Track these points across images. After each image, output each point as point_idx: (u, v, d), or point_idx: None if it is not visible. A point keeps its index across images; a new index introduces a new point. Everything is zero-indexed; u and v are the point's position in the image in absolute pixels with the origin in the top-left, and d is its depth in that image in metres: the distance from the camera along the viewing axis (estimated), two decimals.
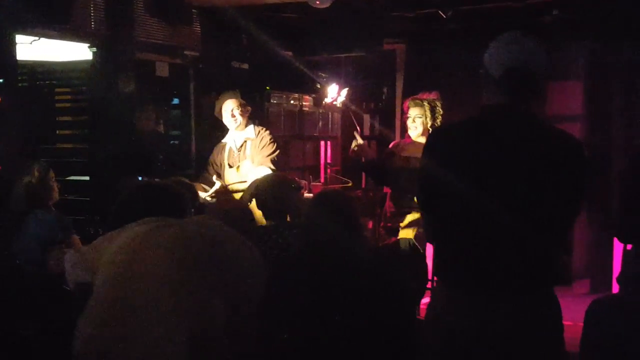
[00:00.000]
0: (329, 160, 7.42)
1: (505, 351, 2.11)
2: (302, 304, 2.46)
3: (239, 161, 4.73)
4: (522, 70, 2.13)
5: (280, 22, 6.26)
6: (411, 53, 7.33)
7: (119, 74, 4.94)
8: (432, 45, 7.01)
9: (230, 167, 4.75)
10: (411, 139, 4.88)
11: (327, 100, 6.77)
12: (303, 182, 6.33)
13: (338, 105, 6.98)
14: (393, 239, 4.55)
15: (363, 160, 4.59)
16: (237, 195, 4.48)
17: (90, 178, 5.08)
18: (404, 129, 6.21)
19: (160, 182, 2.88)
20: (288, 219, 3.43)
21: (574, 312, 2.83)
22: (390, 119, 7.64)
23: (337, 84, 6.61)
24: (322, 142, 7.49)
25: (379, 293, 2.45)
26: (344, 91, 6.69)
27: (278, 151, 4.71)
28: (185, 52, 5.66)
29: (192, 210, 2.77)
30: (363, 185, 7.55)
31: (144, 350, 1.92)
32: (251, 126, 4.81)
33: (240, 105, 4.75)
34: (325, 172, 7.12)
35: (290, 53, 6.47)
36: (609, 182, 6.19)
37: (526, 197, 2.07)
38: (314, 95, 7.01)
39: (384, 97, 7.83)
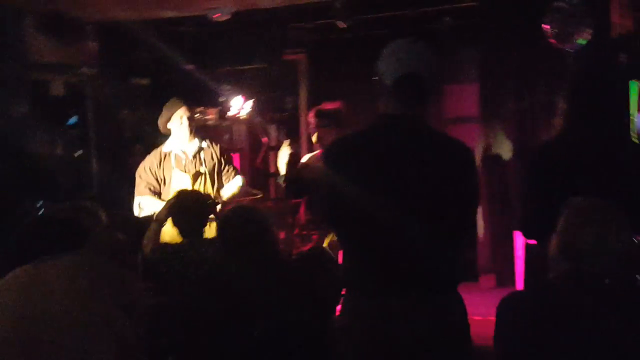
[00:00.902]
0: None
1: (414, 352, 2.17)
2: (217, 318, 2.45)
3: (195, 169, 4.51)
4: (413, 77, 2.17)
5: (180, 35, 6.20)
6: (312, 63, 7.41)
7: (10, 96, 4.74)
8: (332, 55, 7.13)
9: (185, 172, 4.50)
10: (321, 149, 4.93)
11: (232, 112, 6.75)
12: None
13: (243, 117, 6.97)
14: (308, 246, 4.58)
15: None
16: None
17: None
18: (310, 139, 6.30)
19: (53, 213, 2.78)
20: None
21: (482, 307, 2.94)
22: (295, 129, 7.69)
23: (242, 96, 6.59)
24: None
25: (294, 303, 2.48)
26: (249, 103, 6.69)
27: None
28: (82, 70, 5.51)
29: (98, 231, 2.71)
30: (273, 196, 7.58)
31: None
32: (197, 137, 4.67)
33: (191, 112, 4.62)
34: None
35: (191, 66, 6.42)
36: (506, 180, 6.47)
37: (422, 201, 2.13)
38: (218, 108, 6.96)
39: (288, 108, 7.87)
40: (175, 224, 3.47)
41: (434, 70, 2.20)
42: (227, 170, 4.60)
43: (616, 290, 1.97)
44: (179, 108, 4.49)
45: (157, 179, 4.45)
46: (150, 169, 4.47)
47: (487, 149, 6.60)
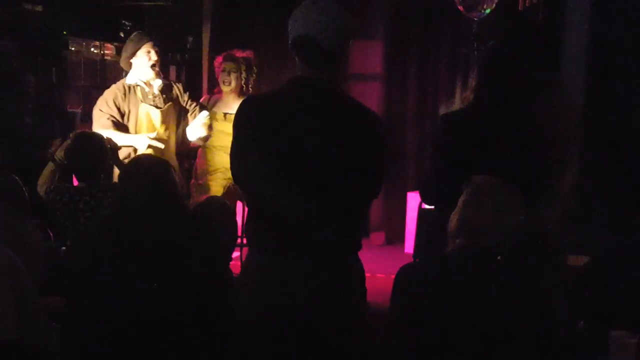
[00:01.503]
0: None
1: (309, 314, 2.23)
2: (116, 266, 2.43)
3: (163, 102, 4.38)
4: (306, 39, 2.18)
5: None
6: (218, 2, 7.19)
7: None
8: None
9: (157, 108, 4.35)
10: (222, 94, 4.86)
11: None
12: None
13: None
14: (204, 196, 4.53)
15: None
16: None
17: None
18: (212, 82, 6.17)
19: None
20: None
21: (371, 264, 3.05)
22: (197, 71, 7.49)
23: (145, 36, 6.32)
24: None
25: (191, 253, 2.48)
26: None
27: None
28: None
29: None
30: None
31: None
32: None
33: (158, 47, 4.44)
34: None
35: None
36: (404, 140, 6.63)
37: (324, 164, 2.16)
38: (116, 44, 6.65)
39: (189, 48, 7.64)
40: (71, 166, 3.35)
41: (333, 32, 2.18)
42: (193, 106, 4.52)
43: (506, 266, 2.09)
44: (146, 42, 4.26)
45: (120, 112, 4.23)
46: (114, 102, 4.26)
47: (387, 107, 6.73)
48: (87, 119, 6.55)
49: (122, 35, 6.41)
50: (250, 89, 4.89)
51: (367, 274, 2.46)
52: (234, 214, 4.52)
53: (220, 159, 4.77)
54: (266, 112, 2.22)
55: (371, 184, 2.31)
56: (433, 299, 2.08)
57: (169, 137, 4.39)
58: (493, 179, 2.19)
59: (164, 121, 4.31)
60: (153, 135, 4.21)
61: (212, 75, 5.90)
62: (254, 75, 4.86)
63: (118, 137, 4.13)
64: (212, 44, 7.22)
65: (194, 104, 4.53)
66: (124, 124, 4.30)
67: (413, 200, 5.98)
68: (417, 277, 2.21)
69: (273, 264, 2.22)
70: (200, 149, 4.99)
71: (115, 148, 3.81)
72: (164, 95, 4.37)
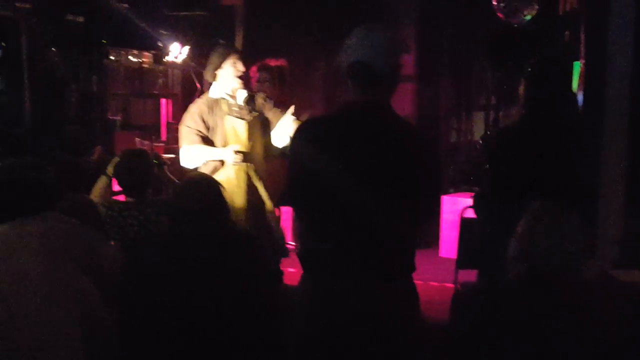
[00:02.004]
0: (169, 119, 7.30)
1: (362, 337, 2.23)
2: (168, 283, 2.46)
3: (249, 114, 4.26)
4: (360, 65, 2.23)
5: None
6: (250, 10, 7.30)
7: None
8: (271, 3, 7.04)
9: (242, 119, 4.22)
10: None
11: (169, 58, 6.62)
12: (146, 142, 6.22)
13: (178, 63, 6.86)
14: None
15: None
16: None
17: None
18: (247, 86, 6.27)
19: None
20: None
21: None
22: None
23: (179, 42, 6.49)
24: (162, 100, 7.33)
25: (243, 271, 2.52)
26: (185, 49, 6.58)
27: None
28: (16, 4, 5.27)
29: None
30: None
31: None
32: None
33: (243, 60, 4.27)
34: (168, 132, 7.01)
35: (126, 5, 6.24)
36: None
37: (381, 187, 2.19)
38: (153, 52, 6.81)
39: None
40: (119, 182, 3.45)
41: (385, 57, 2.24)
42: (275, 112, 4.40)
43: (567, 290, 2.11)
44: (232, 54, 4.19)
45: (207, 127, 4.29)
46: (200, 116, 4.23)
47: (420, 108, 6.80)
48: (127, 126, 6.76)
49: (160, 44, 6.56)
50: (285, 97, 4.97)
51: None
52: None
53: (259, 165, 4.82)
54: (322, 135, 2.28)
55: (426, 205, 2.36)
56: (496, 327, 2.10)
57: (255, 147, 4.37)
58: (553, 204, 2.20)
59: (250, 132, 4.26)
60: (237, 147, 4.21)
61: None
62: (287, 83, 4.94)
63: (206, 152, 4.16)
64: (245, 50, 7.31)
65: (277, 110, 4.40)
66: (211, 138, 4.32)
67: (448, 203, 5.99)
68: (479, 304, 2.22)
69: (328, 285, 2.24)
70: None
71: (164, 164, 3.86)
72: (249, 107, 4.30)
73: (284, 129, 4.30)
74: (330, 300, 2.24)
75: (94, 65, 6.19)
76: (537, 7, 4.98)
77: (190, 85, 7.40)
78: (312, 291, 2.29)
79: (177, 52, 6.47)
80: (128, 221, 3.28)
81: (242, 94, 4.32)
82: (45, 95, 5.49)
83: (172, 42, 6.48)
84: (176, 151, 6.45)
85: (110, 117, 6.48)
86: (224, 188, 2.67)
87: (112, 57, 6.39)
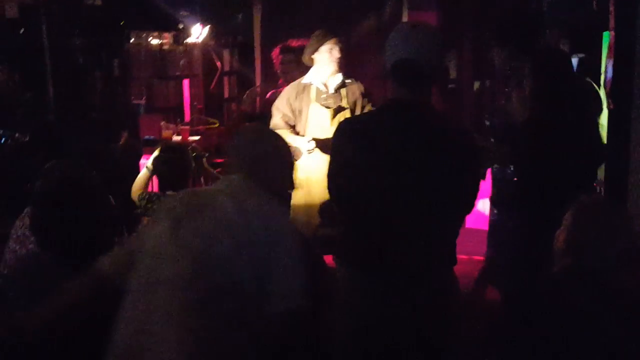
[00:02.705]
0: (192, 100, 7.29)
1: (407, 329, 2.24)
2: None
3: (336, 104, 4.24)
4: (407, 62, 2.20)
5: None
6: None
7: None
8: None
9: (327, 108, 4.24)
10: (285, 86, 4.93)
11: (191, 40, 6.59)
12: (171, 126, 6.22)
13: (198, 42, 6.84)
14: None
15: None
16: None
17: None
18: (265, 64, 6.23)
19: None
20: None
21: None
22: (249, 53, 7.56)
23: (200, 23, 6.45)
24: (185, 81, 7.31)
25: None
26: (206, 29, 6.54)
27: None
28: None
29: None
30: (225, 121, 7.55)
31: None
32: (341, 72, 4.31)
33: (341, 45, 4.24)
34: (191, 113, 7.01)
35: None
36: None
37: (422, 184, 2.19)
38: (173, 33, 6.78)
39: (242, 31, 7.71)
40: (157, 176, 3.49)
41: (430, 56, 2.22)
42: (366, 104, 4.29)
43: (616, 287, 2.07)
44: (330, 39, 4.18)
45: (292, 111, 4.29)
46: (287, 100, 4.26)
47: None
48: (151, 109, 6.77)
49: (181, 26, 6.53)
50: None
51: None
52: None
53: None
54: (365, 133, 2.27)
55: (466, 200, 2.34)
56: (544, 322, 2.08)
57: None
58: (600, 198, 2.18)
59: (335, 121, 4.27)
60: (312, 144, 4.18)
61: (266, 59, 5.92)
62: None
63: (285, 137, 4.16)
64: (263, 24, 7.24)
65: (369, 103, 4.28)
66: (294, 124, 4.32)
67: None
68: (528, 299, 2.21)
69: (369, 280, 2.26)
70: None
71: (202, 156, 3.86)
72: (338, 94, 4.27)
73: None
74: (371, 294, 2.25)
75: (115, 49, 6.17)
76: None
77: (211, 65, 7.40)
78: (353, 285, 2.31)
79: (199, 33, 6.44)
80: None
81: (337, 80, 4.27)
82: (68, 82, 5.50)
83: (192, 23, 6.44)
84: (201, 133, 6.50)
85: (134, 101, 6.48)
86: None
87: (132, 40, 6.37)
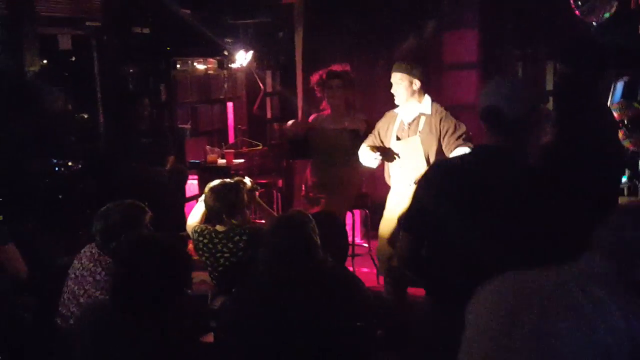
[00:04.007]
0: (236, 123, 7.42)
1: None
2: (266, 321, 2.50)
3: (408, 136, 4.24)
4: (493, 110, 2.37)
5: None
6: (309, 6, 7.29)
7: (24, 51, 4.69)
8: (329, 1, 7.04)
9: (398, 139, 4.29)
10: (328, 110, 5.01)
11: (236, 65, 6.72)
12: (216, 150, 6.35)
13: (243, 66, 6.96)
14: (316, 208, 4.69)
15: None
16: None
17: None
18: (307, 87, 6.31)
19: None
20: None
21: None
22: (291, 75, 7.66)
23: (244, 49, 6.57)
24: (229, 104, 7.46)
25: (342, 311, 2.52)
26: (249, 54, 6.67)
27: (466, 129, 4.13)
28: (87, 23, 5.45)
29: None
30: (269, 142, 7.66)
31: None
32: (428, 100, 4.22)
33: (407, 77, 4.16)
34: (235, 135, 7.13)
35: (188, 11, 6.36)
36: None
37: (511, 226, 2.30)
38: (218, 58, 6.92)
39: (284, 51, 7.81)
40: (207, 211, 3.56)
41: (517, 103, 2.36)
42: (448, 143, 4.10)
43: None
44: (395, 70, 4.20)
45: (380, 137, 4.38)
46: (378, 127, 4.40)
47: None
48: (196, 133, 6.92)
49: (226, 53, 6.66)
50: (352, 100, 5.01)
51: None
52: (344, 225, 4.66)
53: (335, 172, 4.88)
54: (455, 176, 2.43)
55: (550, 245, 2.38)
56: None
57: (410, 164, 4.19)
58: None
59: (404, 153, 4.22)
60: (379, 157, 4.24)
61: (307, 80, 5.95)
62: (352, 87, 4.97)
63: (365, 156, 4.30)
64: (305, 47, 7.32)
65: (451, 139, 4.09)
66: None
67: None
68: None
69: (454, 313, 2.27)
70: (311, 163, 5.14)
71: (255, 189, 3.90)
72: (412, 127, 4.23)
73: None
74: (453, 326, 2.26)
75: (161, 75, 6.33)
76: (615, 4, 4.84)
77: (254, 87, 7.52)
78: (444, 318, 2.39)
79: (242, 58, 6.57)
80: (218, 247, 3.41)
81: (410, 114, 4.22)
82: (118, 109, 5.66)
83: (236, 49, 6.56)
84: (245, 155, 6.62)
85: (180, 126, 6.63)
86: (313, 222, 2.66)
87: (179, 67, 6.52)
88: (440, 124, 4.12)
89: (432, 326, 2.48)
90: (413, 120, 4.22)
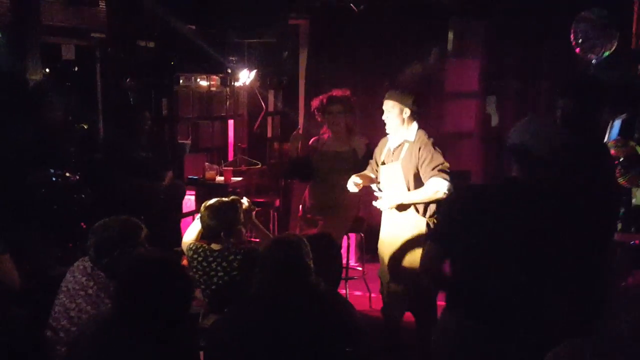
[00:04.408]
0: (236, 140, 7.42)
1: None
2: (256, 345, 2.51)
3: (392, 161, 4.27)
4: (519, 146, 2.50)
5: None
6: (315, 28, 7.33)
7: (27, 59, 4.69)
8: (337, 22, 7.08)
9: (384, 164, 4.34)
10: (329, 134, 5.00)
11: (239, 83, 6.73)
12: (215, 167, 6.34)
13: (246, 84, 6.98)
14: (313, 230, 4.67)
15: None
16: None
17: None
18: (309, 107, 6.31)
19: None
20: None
21: None
22: (294, 95, 7.68)
23: (247, 67, 6.59)
24: (230, 121, 7.46)
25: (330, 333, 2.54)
26: (252, 73, 6.69)
27: (443, 161, 4.07)
28: (92, 34, 5.45)
29: None
30: (267, 161, 7.67)
31: None
32: (414, 128, 4.20)
33: (398, 105, 4.17)
34: (235, 153, 7.13)
35: (194, 27, 6.38)
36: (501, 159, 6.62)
37: (527, 256, 2.42)
38: (221, 75, 6.93)
39: (288, 71, 7.83)
40: (203, 229, 3.57)
41: (542, 141, 2.47)
42: (424, 172, 4.08)
43: None
44: (387, 98, 4.22)
45: (376, 163, 4.44)
46: (375, 153, 4.49)
47: (484, 123, 6.83)
48: (196, 149, 6.91)
49: (229, 71, 6.67)
50: (352, 124, 4.99)
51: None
52: (339, 248, 4.63)
53: (334, 195, 4.86)
54: (482, 202, 2.57)
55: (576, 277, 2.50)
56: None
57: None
58: None
59: (386, 178, 4.27)
60: (359, 181, 4.29)
61: (309, 100, 5.93)
62: (353, 111, 4.97)
63: (364, 178, 4.42)
64: (309, 67, 7.33)
65: (428, 168, 4.05)
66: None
67: None
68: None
69: (479, 330, 2.46)
70: (309, 185, 5.11)
71: (251, 210, 3.90)
72: (396, 152, 4.26)
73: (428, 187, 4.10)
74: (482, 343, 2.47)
75: (164, 90, 6.33)
76: (615, 43, 4.91)
77: (255, 105, 7.53)
78: (462, 331, 2.53)
79: (246, 77, 6.58)
80: (212, 266, 3.39)
81: (395, 140, 4.26)
82: (119, 122, 5.65)
83: (240, 67, 6.58)
84: (244, 173, 6.62)
85: (180, 141, 6.61)
86: (307, 246, 2.67)
87: (182, 83, 6.53)
88: (419, 152, 4.12)
89: (447, 334, 2.59)
90: (397, 147, 4.26)
